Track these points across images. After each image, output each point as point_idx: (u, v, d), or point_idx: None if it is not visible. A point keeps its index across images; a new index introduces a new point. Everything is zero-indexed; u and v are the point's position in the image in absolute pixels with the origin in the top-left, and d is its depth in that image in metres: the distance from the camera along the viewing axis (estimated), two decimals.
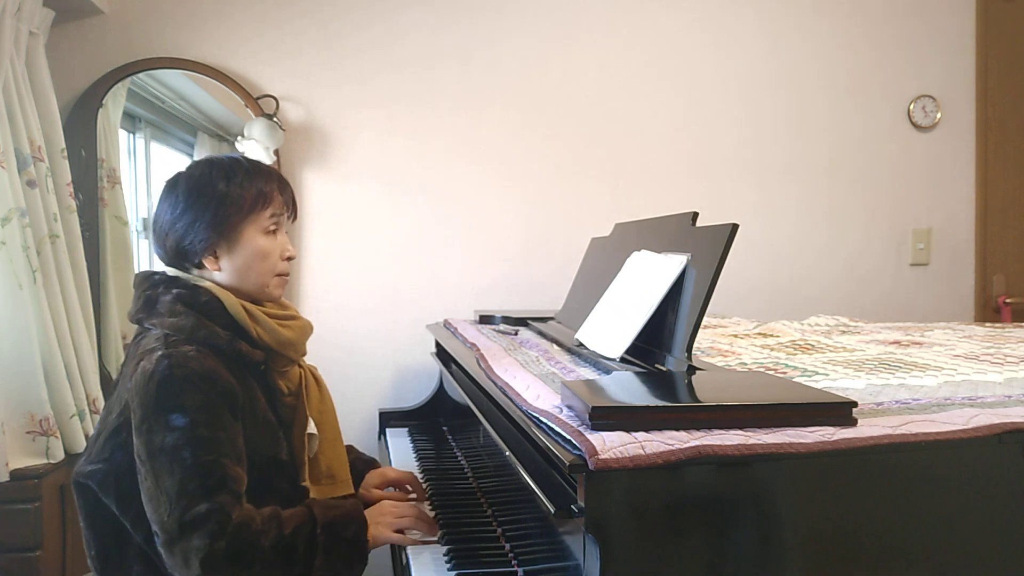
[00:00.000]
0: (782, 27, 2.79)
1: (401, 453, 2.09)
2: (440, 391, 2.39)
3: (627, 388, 1.10)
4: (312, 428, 1.47)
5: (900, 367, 1.44)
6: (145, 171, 2.60)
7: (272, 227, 1.43)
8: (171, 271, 1.42)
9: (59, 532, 1.99)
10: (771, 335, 1.93)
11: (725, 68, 2.77)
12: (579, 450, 0.91)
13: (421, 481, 1.73)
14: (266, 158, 2.41)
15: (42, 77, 2.18)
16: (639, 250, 1.57)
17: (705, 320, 1.49)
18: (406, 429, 2.34)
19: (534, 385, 1.23)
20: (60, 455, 2.00)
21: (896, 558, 0.99)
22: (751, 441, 0.92)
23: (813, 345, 1.75)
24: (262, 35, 2.55)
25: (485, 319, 2.22)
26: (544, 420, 1.05)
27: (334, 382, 1.68)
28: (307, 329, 1.51)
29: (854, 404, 1.01)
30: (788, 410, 0.99)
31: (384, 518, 1.40)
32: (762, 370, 1.42)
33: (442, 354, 2.27)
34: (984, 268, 2.92)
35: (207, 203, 1.37)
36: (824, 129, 2.83)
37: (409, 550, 1.40)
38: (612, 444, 0.90)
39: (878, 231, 2.87)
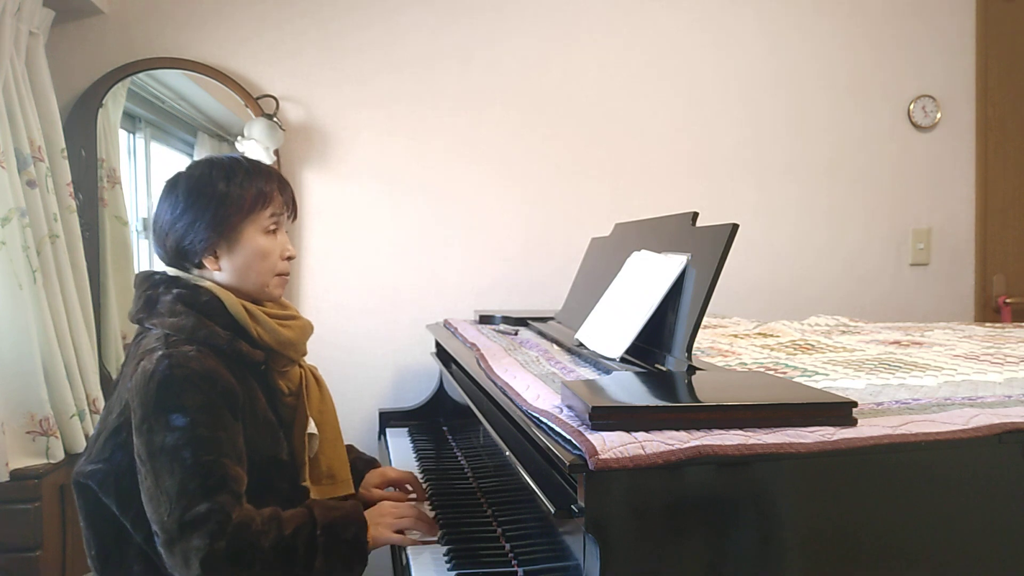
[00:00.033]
0: (782, 27, 2.79)
1: (401, 453, 2.09)
2: (440, 391, 2.39)
3: (627, 388, 1.10)
4: (312, 428, 1.47)
5: (900, 367, 1.44)
6: (145, 171, 2.60)
7: (272, 227, 1.43)
8: (171, 271, 1.42)
9: (59, 532, 1.99)
10: (771, 335, 1.93)
11: (725, 68, 2.77)
12: (579, 450, 0.91)
13: (421, 481, 1.73)
14: (266, 158, 2.41)
15: (42, 77, 2.18)
16: (639, 250, 1.57)
17: (705, 320, 1.49)
18: (406, 429, 2.34)
19: (534, 385, 1.23)
20: (60, 455, 2.00)
21: (896, 558, 0.99)
22: (751, 441, 0.92)
23: (813, 345, 1.75)
24: (262, 35, 2.55)
25: (485, 319, 2.22)
26: (544, 420, 1.05)
27: (334, 382, 1.68)
28: (307, 329, 1.51)
29: (854, 404, 1.01)
30: (788, 410, 0.99)
31: (384, 519, 1.40)
32: (762, 370, 1.42)
33: (442, 354, 2.27)
34: (984, 268, 2.92)
35: (207, 203, 1.37)
36: (824, 129, 2.83)
37: (409, 550, 1.40)
38: (612, 444, 0.90)
39: (878, 231, 2.87)
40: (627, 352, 1.35)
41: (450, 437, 2.19)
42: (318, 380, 1.55)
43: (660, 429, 0.94)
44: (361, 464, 1.70)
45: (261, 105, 2.51)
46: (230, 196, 1.38)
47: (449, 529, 1.47)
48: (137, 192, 2.58)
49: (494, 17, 2.65)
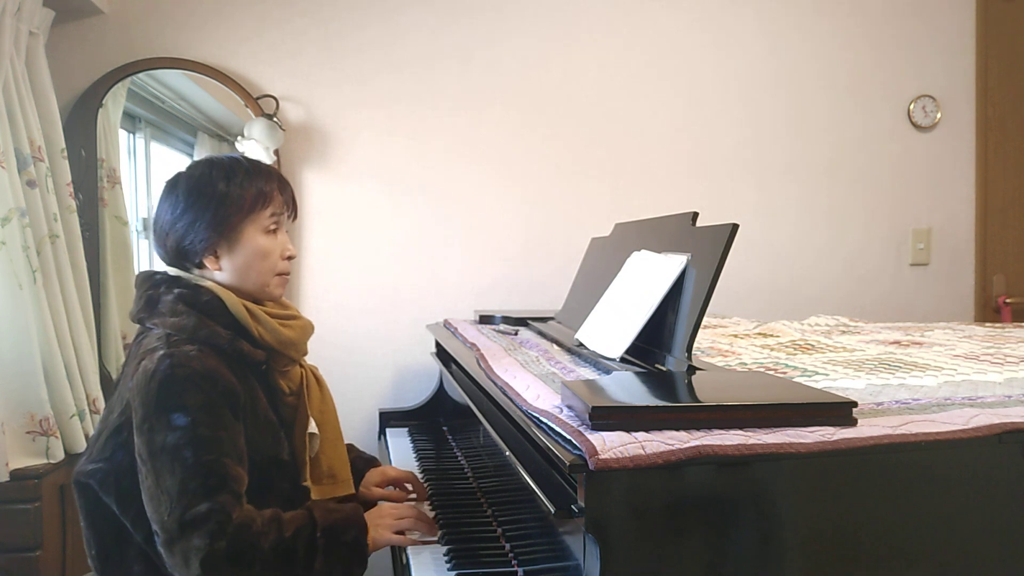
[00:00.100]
0: (782, 27, 2.79)
1: (401, 453, 2.09)
2: (440, 391, 2.39)
3: (627, 388, 1.10)
4: (313, 428, 1.47)
5: (900, 367, 1.44)
6: (145, 171, 2.60)
7: (272, 226, 1.43)
8: (172, 271, 1.42)
9: (59, 532, 1.99)
10: (771, 335, 1.93)
11: (725, 68, 2.77)
12: (579, 450, 0.91)
13: (421, 481, 1.73)
14: (266, 158, 2.41)
15: (42, 77, 2.18)
16: (639, 250, 1.57)
17: (705, 320, 1.49)
18: (406, 429, 2.34)
19: (534, 385, 1.23)
20: (60, 455, 2.00)
21: (896, 558, 0.99)
22: (751, 441, 0.92)
23: (813, 345, 1.75)
24: (262, 35, 2.55)
25: (485, 319, 2.22)
26: (544, 420, 1.05)
27: (334, 382, 1.68)
28: (308, 329, 1.51)
29: (854, 404, 1.01)
30: (788, 410, 0.99)
31: (384, 520, 1.40)
32: (762, 370, 1.42)
33: (442, 354, 2.27)
34: (984, 268, 2.92)
35: (207, 203, 1.37)
36: (824, 129, 2.83)
37: (409, 550, 1.40)
38: (612, 444, 0.90)
39: (878, 231, 2.87)
40: (627, 352, 1.35)
41: (450, 437, 2.19)
42: (319, 380, 1.55)
43: (660, 429, 0.94)
44: (361, 463, 1.70)
45: (261, 105, 2.51)
46: (230, 196, 1.38)
47: (449, 529, 1.47)
48: (137, 192, 2.58)
49: (494, 17, 2.65)
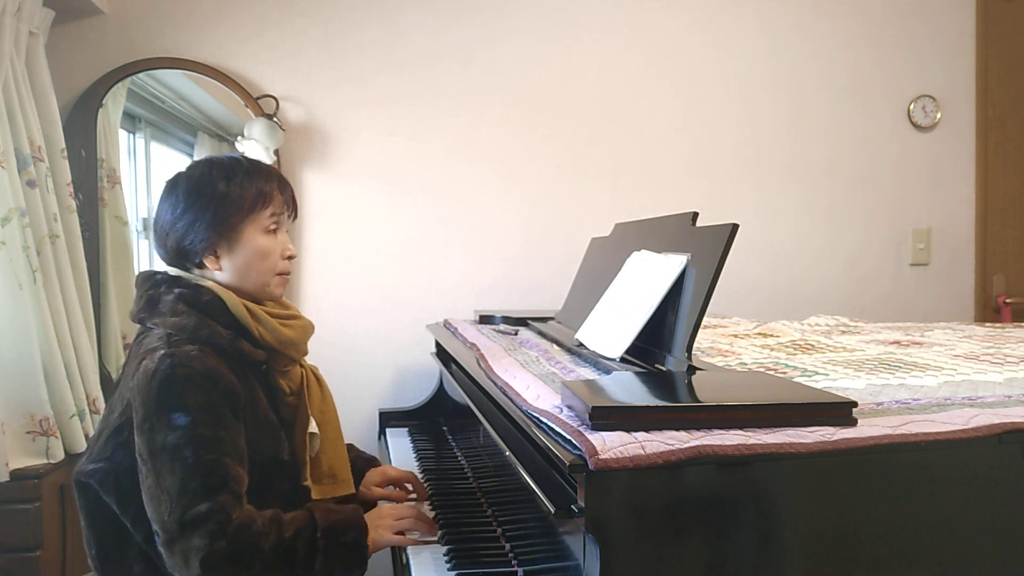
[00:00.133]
0: (782, 27, 2.79)
1: (401, 453, 2.09)
2: (440, 391, 2.39)
3: (627, 388, 1.10)
4: (314, 427, 1.47)
5: (900, 367, 1.44)
6: (145, 171, 2.60)
7: (272, 226, 1.43)
8: (173, 271, 1.42)
9: (59, 532, 1.99)
10: (771, 335, 1.93)
11: (725, 68, 2.77)
12: (579, 450, 0.91)
13: (421, 481, 1.73)
14: (266, 158, 2.41)
15: (42, 77, 2.18)
16: (639, 250, 1.57)
17: (705, 320, 1.49)
18: (406, 429, 2.34)
19: (534, 385, 1.23)
20: (60, 455, 2.00)
21: (896, 558, 0.99)
22: (751, 441, 0.92)
23: (813, 345, 1.75)
24: (262, 35, 2.55)
25: (485, 319, 2.22)
26: (544, 420, 1.05)
27: (334, 382, 1.68)
28: (308, 329, 1.51)
29: (854, 404, 1.01)
30: (788, 410, 0.99)
31: (384, 521, 1.40)
32: (762, 370, 1.42)
33: (442, 354, 2.27)
34: (984, 268, 2.92)
35: (207, 203, 1.37)
36: (824, 129, 2.83)
37: (409, 550, 1.40)
38: (612, 444, 0.90)
39: (878, 231, 2.87)
40: (627, 352, 1.35)
41: (450, 437, 2.19)
42: (319, 380, 1.55)
43: (660, 429, 0.94)
44: (361, 463, 1.70)
45: (261, 105, 2.51)
46: (230, 196, 1.38)
47: (449, 529, 1.47)
48: (137, 192, 2.58)
49: (494, 17, 2.66)
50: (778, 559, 0.95)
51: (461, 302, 2.62)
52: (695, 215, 1.45)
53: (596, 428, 0.94)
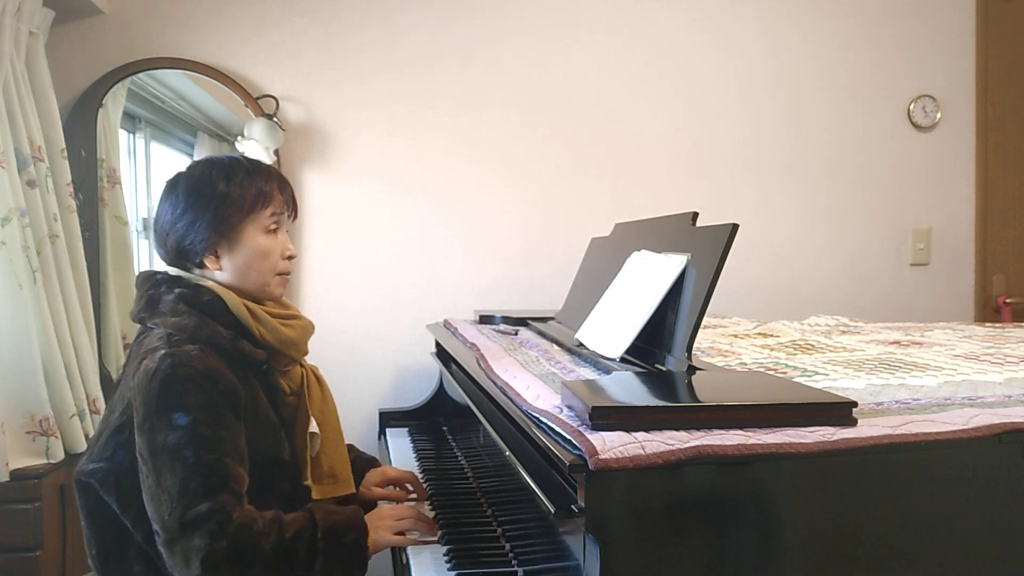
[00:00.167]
0: (782, 27, 2.79)
1: (401, 453, 2.09)
2: (440, 391, 2.39)
3: (627, 388, 1.10)
4: (314, 427, 1.47)
5: (900, 367, 1.44)
6: (145, 171, 2.60)
7: (272, 226, 1.43)
8: (173, 271, 1.42)
9: (59, 532, 1.99)
10: (771, 335, 1.93)
11: (725, 68, 2.77)
12: (579, 450, 0.91)
13: (421, 481, 1.73)
14: (266, 158, 2.41)
15: (42, 77, 2.18)
16: (639, 250, 1.57)
17: (705, 320, 1.49)
18: (406, 429, 2.34)
19: (534, 385, 1.23)
20: (60, 455, 2.00)
21: (896, 558, 0.99)
22: (751, 441, 0.92)
23: (813, 345, 1.75)
24: (262, 35, 2.55)
25: (485, 319, 2.22)
26: (544, 420, 1.05)
27: (334, 382, 1.68)
28: (309, 328, 1.51)
29: (854, 404, 1.01)
30: (788, 410, 0.99)
31: (384, 521, 1.40)
32: (762, 370, 1.42)
33: (442, 354, 2.27)
34: (984, 268, 2.92)
35: (207, 203, 1.38)
36: (824, 129, 2.83)
37: (409, 550, 1.40)
38: (612, 444, 0.90)
39: (878, 231, 2.87)
40: (627, 352, 1.35)
41: (450, 437, 2.19)
42: (319, 380, 1.55)
43: (660, 429, 0.94)
44: (361, 463, 1.70)
45: (261, 105, 2.51)
46: (230, 196, 1.38)
47: (449, 529, 1.47)
48: (137, 192, 2.58)
49: (494, 17, 2.66)
50: (778, 559, 0.95)
51: (461, 302, 2.62)
52: (695, 215, 1.45)
53: (596, 428, 0.94)
